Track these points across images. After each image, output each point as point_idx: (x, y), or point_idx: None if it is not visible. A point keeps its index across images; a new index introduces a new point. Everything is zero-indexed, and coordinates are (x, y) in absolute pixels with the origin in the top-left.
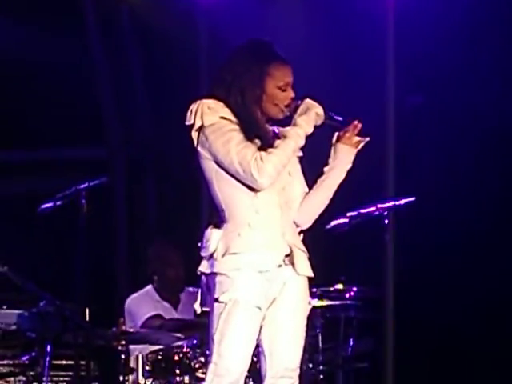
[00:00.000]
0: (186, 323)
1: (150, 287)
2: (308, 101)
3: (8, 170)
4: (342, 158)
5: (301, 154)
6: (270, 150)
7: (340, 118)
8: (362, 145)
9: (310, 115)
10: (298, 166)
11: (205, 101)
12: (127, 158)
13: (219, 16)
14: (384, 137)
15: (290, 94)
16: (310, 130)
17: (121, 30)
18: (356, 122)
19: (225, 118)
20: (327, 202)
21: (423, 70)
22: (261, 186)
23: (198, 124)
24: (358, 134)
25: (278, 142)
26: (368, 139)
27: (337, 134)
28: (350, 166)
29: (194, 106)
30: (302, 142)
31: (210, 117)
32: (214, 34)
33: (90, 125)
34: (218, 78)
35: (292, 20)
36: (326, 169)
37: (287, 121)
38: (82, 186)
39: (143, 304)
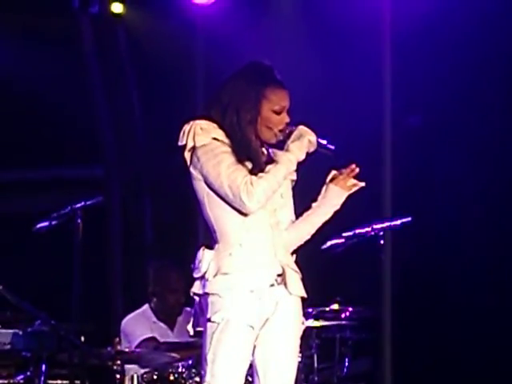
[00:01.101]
0: (181, 346)
1: (146, 307)
2: (302, 127)
3: (3, 189)
4: (332, 199)
5: (294, 177)
6: (260, 174)
7: (332, 147)
8: (355, 189)
9: (303, 142)
10: (291, 191)
11: (197, 121)
12: (123, 178)
13: (215, 35)
14: (380, 156)
15: (285, 118)
16: (302, 157)
17: (117, 50)
18: (353, 166)
19: (217, 140)
20: (307, 238)
21: (420, 89)
22: (249, 210)
23: (190, 145)
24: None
25: (269, 167)
26: (363, 184)
27: (332, 172)
28: (337, 207)
29: (186, 127)
30: (293, 168)
31: (202, 137)
32: (210, 53)
33: (86, 144)
34: (214, 98)
35: (288, 39)
36: (313, 205)
37: (283, 145)
38: (78, 206)
39: (138, 325)
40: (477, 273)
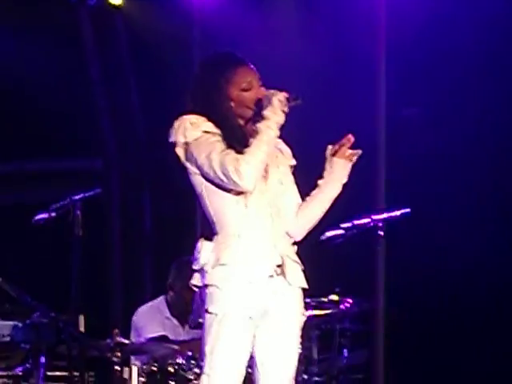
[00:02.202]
0: (191, 345)
1: (161, 299)
2: (268, 92)
3: (2, 181)
4: (338, 172)
5: (294, 162)
6: (244, 150)
7: (299, 101)
8: (355, 158)
9: (274, 105)
10: (291, 176)
11: (186, 117)
12: (122, 170)
13: (213, 28)
14: (375, 148)
15: (258, 92)
16: (279, 118)
17: (116, 42)
18: (349, 136)
19: (208, 132)
20: (321, 215)
21: (414, 80)
22: (246, 187)
23: (181, 140)
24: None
25: (251, 140)
26: (360, 152)
27: (330, 147)
28: (346, 179)
29: (176, 123)
30: (273, 133)
31: (193, 132)
32: (207, 45)
33: (85, 136)
34: (192, 93)
35: (285, 32)
36: (320, 182)
37: None
38: (77, 197)
39: (151, 320)
40: (473, 265)
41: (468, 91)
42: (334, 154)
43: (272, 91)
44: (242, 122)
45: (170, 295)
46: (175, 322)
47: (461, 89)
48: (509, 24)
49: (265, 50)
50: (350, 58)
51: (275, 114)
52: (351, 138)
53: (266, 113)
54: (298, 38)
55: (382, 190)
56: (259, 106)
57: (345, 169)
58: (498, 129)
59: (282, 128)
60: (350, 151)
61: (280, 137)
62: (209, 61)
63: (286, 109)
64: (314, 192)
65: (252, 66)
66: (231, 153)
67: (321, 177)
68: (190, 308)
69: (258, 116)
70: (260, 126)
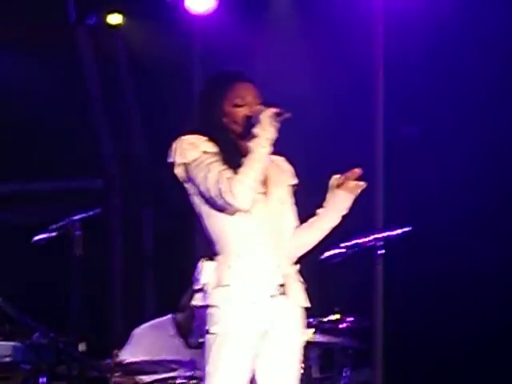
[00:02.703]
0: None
1: (169, 317)
2: (255, 109)
3: (3, 201)
4: (340, 204)
5: (295, 181)
6: (238, 170)
7: (288, 113)
8: (359, 190)
9: (263, 121)
10: (291, 196)
11: (185, 137)
12: (123, 189)
13: (212, 44)
14: (373, 167)
15: (249, 108)
16: (270, 134)
17: (115, 61)
18: (356, 169)
19: (206, 152)
20: (313, 245)
21: (413, 98)
22: (240, 207)
23: (180, 161)
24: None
25: (243, 160)
26: (365, 184)
27: (335, 177)
28: (346, 212)
29: (175, 144)
30: (265, 150)
31: (192, 152)
32: (207, 63)
33: (85, 156)
34: (196, 113)
35: (285, 50)
36: (320, 211)
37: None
38: (77, 217)
39: (143, 341)
40: (472, 282)
41: (467, 109)
42: (338, 185)
43: (260, 107)
44: (237, 139)
45: (182, 316)
46: (180, 341)
47: (460, 107)
48: (510, 41)
49: (264, 69)
50: (349, 77)
51: (265, 130)
52: (358, 171)
53: (255, 131)
54: (297, 57)
55: (380, 209)
56: (249, 123)
57: (347, 201)
58: (498, 147)
59: (283, 145)
60: (355, 183)
61: (282, 155)
62: (209, 78)
63: (276, 124)
64: (311, 220)
65: (250, 84)
66: (226, 173)
67: (321, 206)
68: None
69: (248, 133)
70: (251, 144)
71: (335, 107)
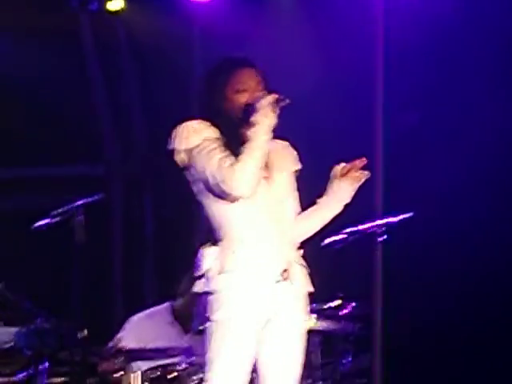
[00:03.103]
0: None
1: (167, 305)
2: (255, 96)
3: (4, 187)
4: (343, 194)
5: (299, 166)
6: (238, 158)
7: (288, 100)
8: (362, 180)
9: (262, 108)
10: (294, 182)
11: (188, 123)
12: (125, 175)
13: (214, 31)
14: (372, 154)
15: (251, 94)
16: (269, 121)
17: (117, 47)
18: (363, 158)
19: (208, 139)
20: (314, 232)
21: (412, 87)
22: (241, 195)
23: (182, 147)
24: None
25: (242, 148)
26: (369, 174)
27: (341, 166)
28: (348, 201)
29: (177, 130)
30: (264, 137)
31: (194, 139)
32: (208, 49)
33: (88, 142)
34: (199, 99)
35: (284, 36)
36: (321, 200)
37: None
38: (79, 203)
39: (136, 329)
40: (472, 270)
41: (468, 96)
42: (341, 175)
43: (260, 94)
44: (239, 124)
45: (180, 302)
46: (178, 327)
47: (460, 94)
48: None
49: (264, 57)
50: (349, 65)
51: (264, 117)
52: (365, 160)
53: (255, 117)
54: (298, 45)
55: (380, 196)
56: (248, 110)
57: (350, 191)
58: (498, 134)
59: (284, 133)
60: (360, 172)
61: (287, 140)
62: (213, 64)
63: (276, 110)
64: (312, 208)
65: (253, 69)
66: (226, 161)
67: (320, 195)
68: None
69: (248, 120)
70: (250, 132)
71: (336, 94)
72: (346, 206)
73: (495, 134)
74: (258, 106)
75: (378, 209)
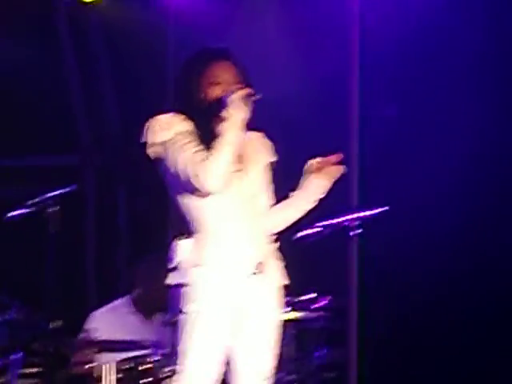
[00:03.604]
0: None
1: (125, 299)
2: (228, 90)
3: None
4: (318, 188)
5: (274, 158)
6: (208, 154)
7: (259, 95)
8: (338, 175)
9: (233, 103)
10: (269, 174)
11: (159, 117)
12: (97, 166)
13: (187, 25)
14: (348, 147)
15: (225, 87)
16: (240, 115)
17: (92, 39)
18: (339, 154)
19: (180, 133)
20: (287, 225)
21: (389, 80)
22: (211, 191)
23: (153, 141)
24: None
25: (214, 143)
26: (345, 169)
27: (316, 161)
28: (322, 195)
29: (149, 124)
30: (235, 132)
31: (166, 132)
32: (183, 42)
33: (60, 132)
34: (174, 91)
35: (259, 27)
36: (296, 193)
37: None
38: (52, 194)
39: (103, 325)
40: (447, 264)
41: (445, 89)
42: (316, 169)
43: (232, 88)
44: (212, 117)
45: (138, 292)
46: (140, 317)
47: (438, 87)
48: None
49: (239, 49)
50: (324, 59)
51: (236, 112)
52: (340, 155)
53: (227, 112)
54: (273, 36)
55: (355, 188)
56: (220, 104)
57: (324, 186)
58: (476, 130)
59: (259, 125)
60: (336, 167)
61: (262, 131)
62: (191, 54)
63: (247, 105)
64: (286, 201)
65: (230, 62)
66: (197, 156)
67: (296, 188)
68: (158, 305)
69: (219, 114)
70: (222, 126)
71: (311, 88)
72: (322, 199)
73: (474, 130)
74: (229, 100)
75: (354, 202)
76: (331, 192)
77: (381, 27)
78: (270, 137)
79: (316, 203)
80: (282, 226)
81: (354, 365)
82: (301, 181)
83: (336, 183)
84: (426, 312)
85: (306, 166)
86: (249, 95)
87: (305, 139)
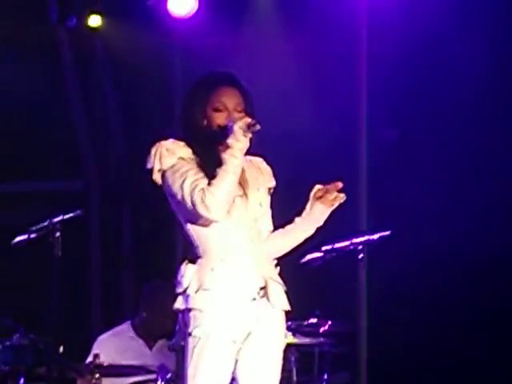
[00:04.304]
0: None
1: (127, 323)
2: (231, 118)
3: None
4: (317, 217)
5: (273, 183)
6: (211, 182)
7: (259, 126)
8: (337, 204)
9: (236, 132)
10: (268, 199)
11: (163, 142)
12: (103, 191)
13: (193, 46)
14: (356, 170)
15: (228, 115)
16: (242, 145)
17: (95, 62)
18: (338, 183)
19: (183, 159)
20: (285, 252)
21: (396, 103)
22: (214, 218)
23: (157, 167)
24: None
25: (217, 171)
26: (344, 197)
27: (316, 187)
28: (320, 224)
29: (153, 149)
30: (238, 161)
31: (169, 159)
32: (188, 64)
33: (66, 158)
34: (178, 117)
35: (265, 51)
36: (297, 220)
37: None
38: (57, 219)
39: (110, 349)
40: (455, 287)
41: (450, 111)
42: (318, 197)
43: (234, 117)
44: (215, 143)
45: (141, 318)
46: (141, 342)
47: (442, 110)
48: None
49: (245, 70)
50: (332, 77)
51: (238, 141)
52: (339, 184)
53: (228, 141)
54: (279, 57)
55: (364, 212)
56: (222, 132)
57: (324, 214)
58: (481, 147)
59: (266, 145)
60: (335, 195)
61: (261, 156)
62: (198, 78)
63: (248, 135)
64: (287, 227)
65: (236, 89)
66: (200, 184)
67: (300, 213)
68: (160, 332)
69: (220, 142)
70: (224, 155)
71: (318, 106)
72: (331, 223)
73: (479, 148)
74: (230, 129)
75: (362, 225)
76: (340, 216)
77: (388, 49)
78: (277, 156)
79: (314, 231)
80: (281, 251)
81: None
82: (306, 206)
83: (344, 207)
84: (437, 335)
85: (312, 192)
86: (249, 126)
87: (312, 160)
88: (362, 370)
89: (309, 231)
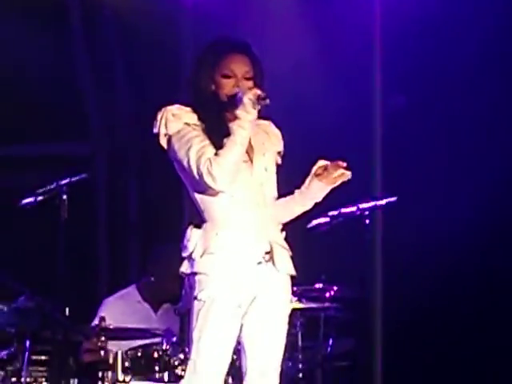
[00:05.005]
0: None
1: (132, 287)
2: (241, 89)
3: None
4: (314, 193)
5: (281, 147)
6: (218, 152)
7: (268, 100)
8: (339, 182)
9: (245, 103)
10: (275, 164)
11: (169, 108)
12: (109, 154)
13: (202, 16)
14: (370, 136)
15: (236, 82)
16: (251, 116)
17: (104, 28)
18: (341, 162)
19: (188, 124)
20: (284, 222)
21: (409, 70)
22: (220, 189)
23: (163, 132)
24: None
25: (224, 141)
26: (349, 176)
27: (319, 162)
28: (319, 200)
29: (159, 114)
30: (246, 132)
31: (174, 124)
32: (197, 31)
33: (72, 121)
34: (186, 82)
35: (278, 18)
36: (296, 192)
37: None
38: (64, 182)
39: (116, 312)
40: (467, 251)
41: (465, 80)
42: (318, 174)
43: (243, 88)
44: (222, 108)
45: (148, 280)
46: (147, 306)
47: (457, 79)
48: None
49: (256, 36)
50: (345, 44)
51: (247, 112)
52: (342, 164)
53: (237, 112)
54: (290, 26)
55: (377, 177)
56: (230, 101)
57: (322, 191)
58: (492, 120)
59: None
60: (341, 172)
61: (270, 119)
62: (209, 43)
63: (256, 107)
64: (287, 198)
65: (246, 56)
66: (206, 152)
67: (299, 186)
68: (166, 296)
69: (228, 110)
70: (232, 126)
71: (331, 76)
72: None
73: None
74: (239, 100)
75: (376, 190)
76: (355, 180)
77: (402, 14)
78: (292, 126)
79: (312, 206)
80: (285, 218)
81: (379, 357)
82: (306, 180)
83: (359, 176)
84: (451, 302)
85: (314, 167)
86: (258, 98)
87: (327, 132)
88: (377, 336)
89: (306, 206)
